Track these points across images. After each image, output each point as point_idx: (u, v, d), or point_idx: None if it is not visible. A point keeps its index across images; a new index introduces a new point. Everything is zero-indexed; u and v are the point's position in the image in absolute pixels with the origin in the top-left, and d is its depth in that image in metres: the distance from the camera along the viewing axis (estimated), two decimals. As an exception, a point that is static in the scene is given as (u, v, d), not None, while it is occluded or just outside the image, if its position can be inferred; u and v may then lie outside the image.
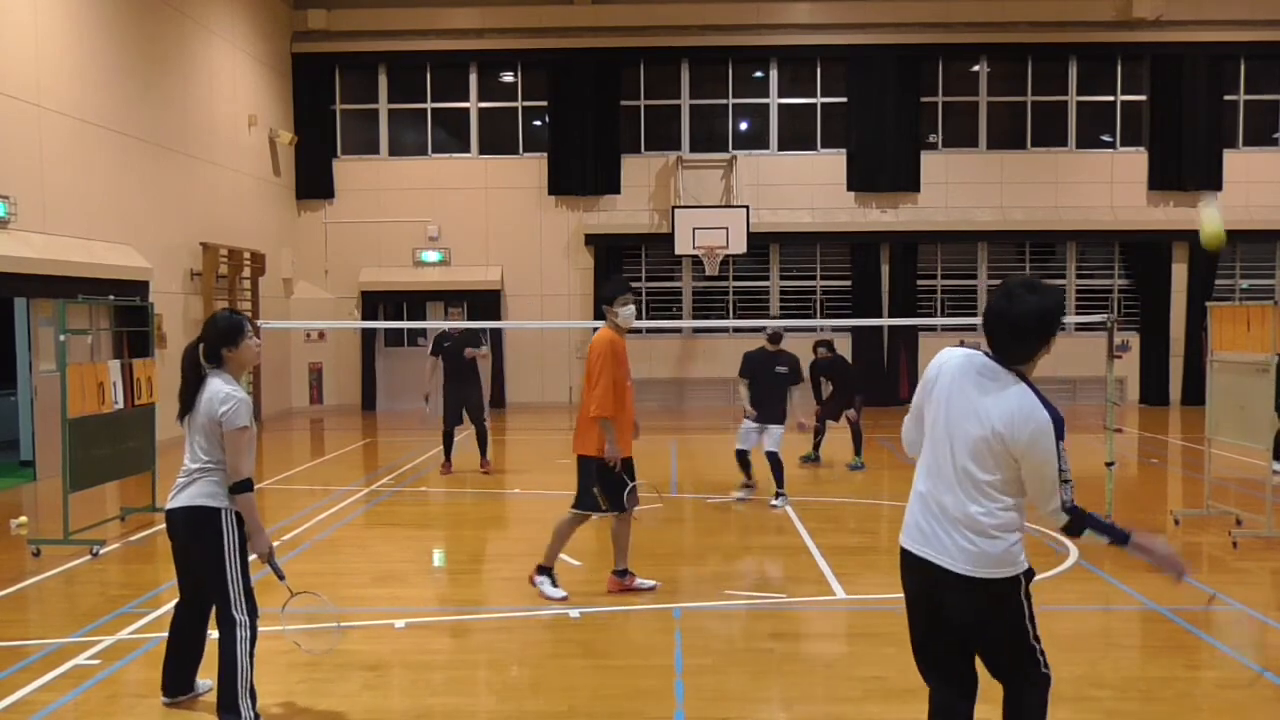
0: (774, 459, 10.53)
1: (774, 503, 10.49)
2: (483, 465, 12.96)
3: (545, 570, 7.24)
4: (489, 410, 13.08)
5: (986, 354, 3.61)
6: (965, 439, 3.53)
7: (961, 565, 3.53)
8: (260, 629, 5.07)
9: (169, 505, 5.09)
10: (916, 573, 3.67)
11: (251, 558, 5.09)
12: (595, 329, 7.31)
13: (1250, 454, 9.83)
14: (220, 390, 4.97)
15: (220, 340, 5.07)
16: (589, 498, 7.08)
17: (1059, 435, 3.43)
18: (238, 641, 4.91)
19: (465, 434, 13.34)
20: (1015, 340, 3.52)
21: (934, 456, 3.64)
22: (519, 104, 21.94)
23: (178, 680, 5.31)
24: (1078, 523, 3.52)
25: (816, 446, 13.39)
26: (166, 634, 5.36)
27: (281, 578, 5.29)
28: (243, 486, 4.96)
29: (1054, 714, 5.29)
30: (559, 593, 7.14)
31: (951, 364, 3.67)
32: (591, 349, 7.01)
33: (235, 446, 4.93)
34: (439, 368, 12.79)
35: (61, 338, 8.88)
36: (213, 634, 5.13)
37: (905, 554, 3.71)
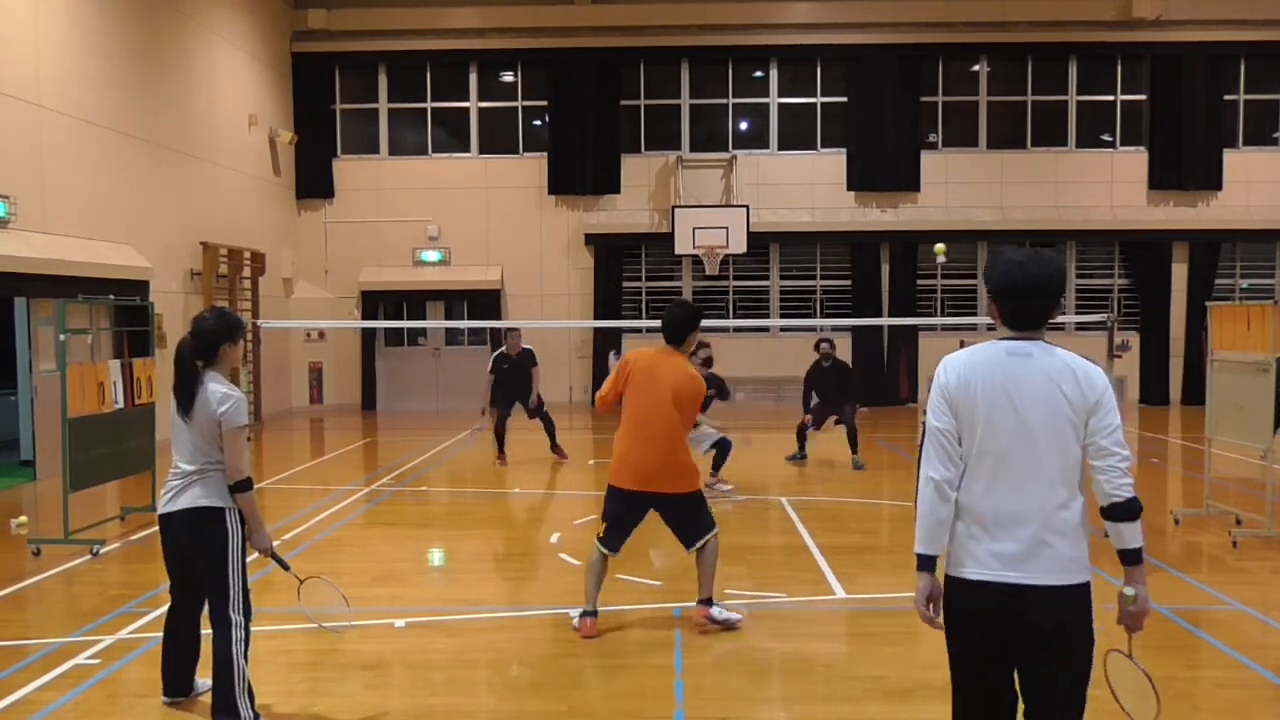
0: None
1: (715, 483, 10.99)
2: (556, 453, 13.53)
3: (708, 601, 6.60)
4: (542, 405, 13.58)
5: (1001, 339, 3.45)
6: (1046, 425, 3.27)
7: (1055, 577, 3.28)
8: (258, 627, 5.06)
9: (166, 509, 5.05)
10: (990, 599, 3.32)
11: (253, 557, 5.08)
12: (595, 329, 7.25)
13: (1249, 453, 9.83)
14: (218, 390, 4.95)
15: (222, 335, 5.03)
16: (706, 521, 6.51)
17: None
18: (233, 642, 4.90)
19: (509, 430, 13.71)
20: (1043, 301, 3.38)
21: (1001, 467, 3.31)
22: (519, 104, 21.95)
23: (178, 680, 5.31)
24: (1136, 503, 3.28)
25: (802, 445, 13.39)
26: (161, 636, 5.36)
27: (286, 568, 5.35)
28: (243, 485, 4.96)
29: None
30: (735, 615, 6.57)
31: (975, 369, 3.40)
32: (699, 391, 6.43)
33: (235, 445, 4.93)
34: (493, 382, 13.30)
35: (61, 337, 8.89)
36: (206, 633, 5.12)
37: (971, 584, 3.35)
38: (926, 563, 3.43)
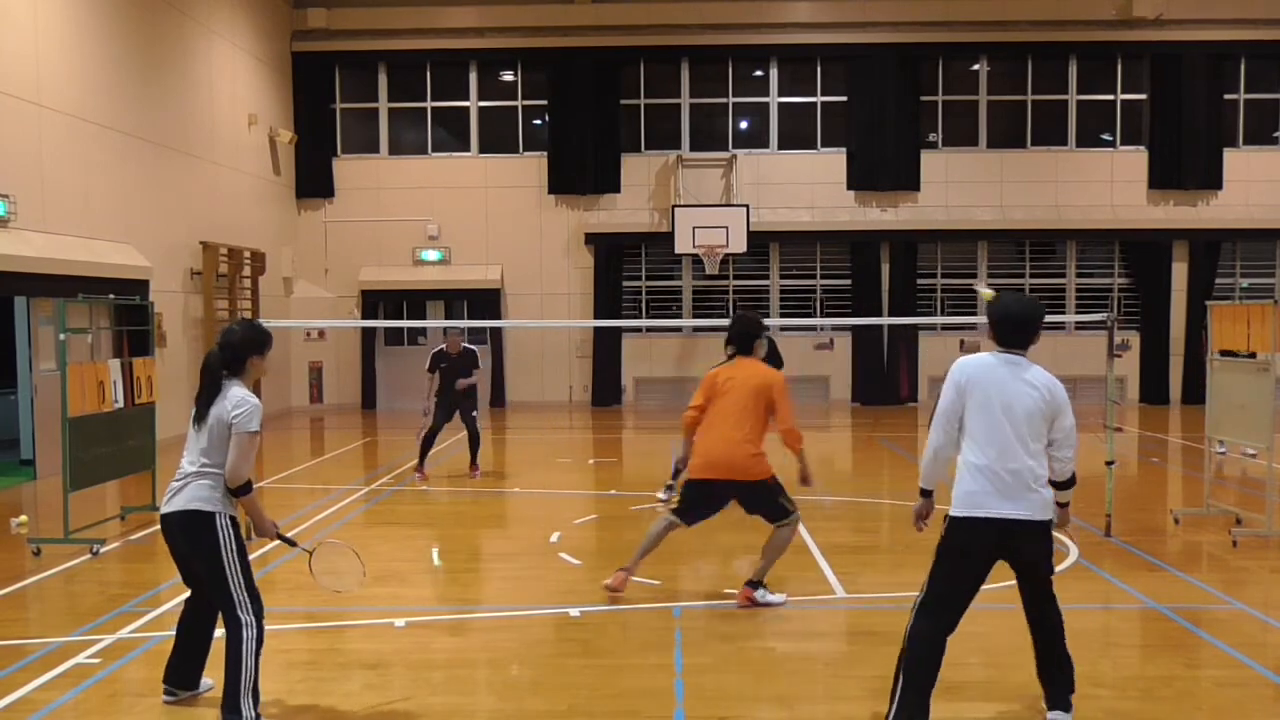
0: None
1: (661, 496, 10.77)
2: (472, 470, 12.59)
3: (755, 584, 7.06)
4: (483, 415, 12.52)
5: (1000, 351, 4.86)
6: (1024, 411, 4.70)
7: (1038, 514, 4.71)
8: (265, 620, 5.05)
9: (165, 509, 5.09)
10: (988, 532, 4.68)
11: (259, 554, 5.09)
12: (595, 329, 7.41)
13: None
14: (235, 395, 5.01)
15: (250, 347, 5.12)
16: (782, 507, 7.08)
17: None
18: (243, 642, 4.93)
19: (451, 440, 13.24)
20: (1029, 331, 4.87)
21: (993, 435, 4.70)
22: (519, 103, 21.94)
23: (181, 674, 5.31)
24: (1074, 478, 4.91)
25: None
26: (162, 635, 5.36)
27: (295, 544, 5.40)
28: (242, 490, 4.98)
29: (1054, 713, 5.30)
30: (779, 597, 7.06)
31: (978, 368, 4.82)
32: (772, 382, 6.98)
33: (241, 450, 4.95)
34: (435, 382, 12.33)
35: (62, 337, 8.88)
36: (220, 633, 5.13)
37: (974, 520, 4.68)
38: (926, 494, 5.06)
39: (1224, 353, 9.26)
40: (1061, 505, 4.91)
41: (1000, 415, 4.70)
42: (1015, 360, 4.80)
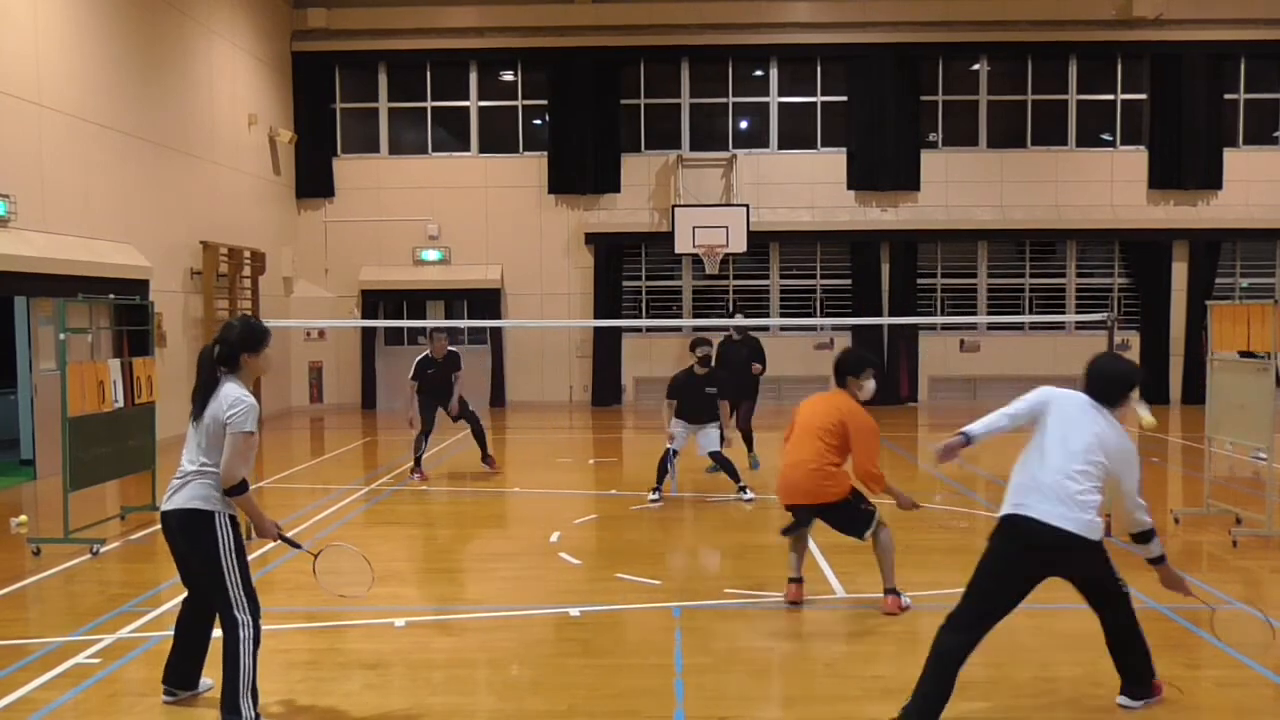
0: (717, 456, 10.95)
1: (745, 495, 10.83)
2: (489, 464, 12.69)
3: (893, 591, 7.05)
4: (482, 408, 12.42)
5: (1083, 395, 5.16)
6: (1083, 446, 4.93)
7: (1082, 530, 4.85)
8: (261, 620, 5.06)
9: (165, 507, 5.09)
10: (1028, 532, 4.86)
11: (259, 554, 5.08)
12: (595, 328, 7.38)
13: (1249, 452, 9.83)
14: (231, 394, 4.98)
15: (244, 344, 5.09)
16: (864, 516, 7.02)
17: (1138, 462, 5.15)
18: (240, 642, 4.93)
19: (452, 440, 13.25)
20: (1117, 389, 5.15)
21: (1050, 454, 4.95)
22: (519, 103, 21.94)
23: (180, 674, 5.32)
24: (1151, 532, 5.18)
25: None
26: (163, 634, 5.36)
27: (298, 546, 5.41)
28: (237, 490, 4.97)
29: (1053, 714, 5.32)
30: (906, 598, 7.05)
31: (1066, 396, 5.15)
32: (853, 415, 6.88)
33: (235, 450, 4.93)
34: (417, 391, 12.23)
35: (62, 336, 8.88)
36: (218, 633, 5.13)
37: (1015, 518, 4.90)
38: (968, 436, 5.21)
39: (1244, 354, 9.23)
40: (1152, 562, 5.27)
41: (1060, 441, 4.97)
42: (1100, 409, 5.09)
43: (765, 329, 21.12)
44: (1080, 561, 5.02)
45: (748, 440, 12.78)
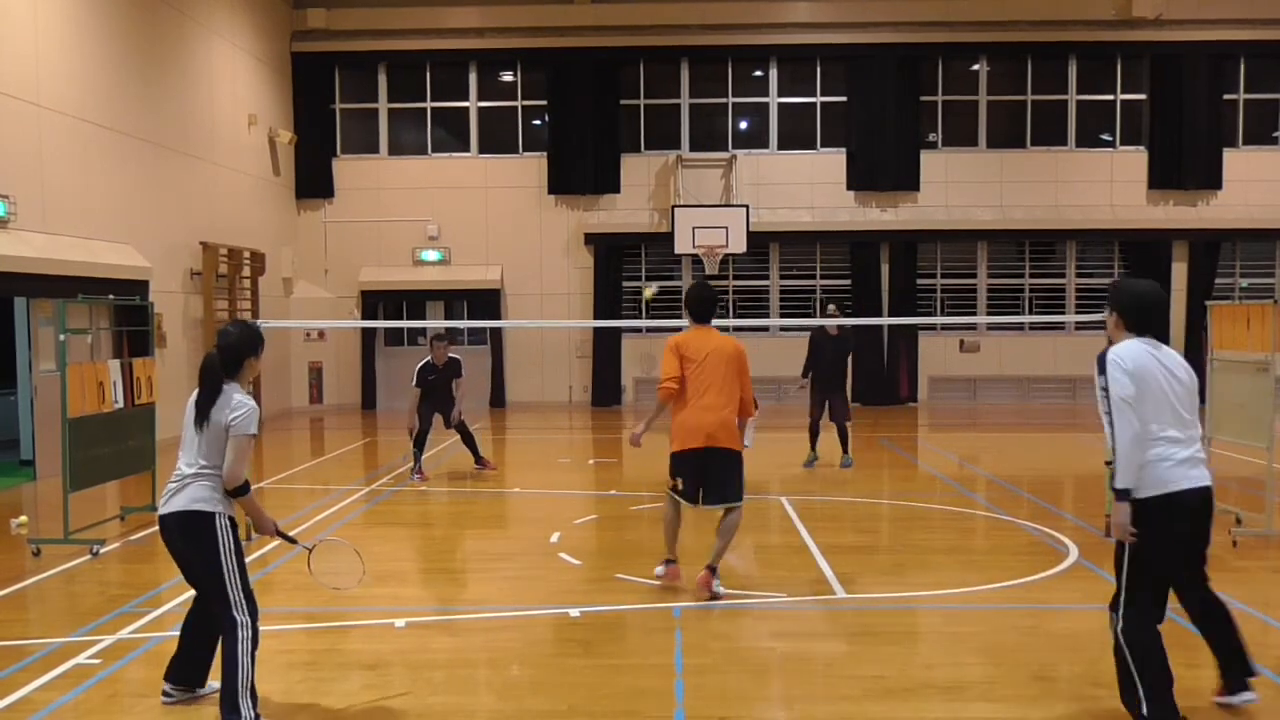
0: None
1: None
2: (484, 465, 12.77)
3: (714, 570, 7.23)
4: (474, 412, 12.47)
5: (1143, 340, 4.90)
6: (1185, 391, 4.87)
7: (1211, 482, 4.84)
8: (259, 621, 5.06)
9: (163, 510, 5.10)
10: (1194, 502, 4.76)
11: (259, 554, 5.09)
12: (595, 329, 7.50)
13: (1249, 452, 9.82)
14: (233, 397, 5.04)
15: (248, 348, 5.16)
16: (741, 486, 7.31)
17: None
18: (239, 642, 4.94)
19: (450, 440, 13.21)
20: (1166, 316, 5.14)
21: (1172, 414, 4.80)
22: (519, 103, 21.95)
23: (185, 674, 5.31)
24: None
25: (814, 445, 13.12)
26: (162, 635, 5.36)
27: (295, 542, 5.43)
28: (240, 491, 5.01)
29: (1053, 713, 5.31)
30: (721, 589, 7.20)
31: (1144, 355, 4.83)
32: (742, 350, 7.25)
33: (238, 452, 4.98)
34: (419, 398, 12.26)
35: (61, 337, 8.88)
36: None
37: (1179, 494, 4.71)
38: (1126, 494, 4.70)
39: None
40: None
41: (1171, 396, 4.83)
42: (1155, 345, 4.95)
43: (765, 329, 21.17)
44: (1212, 515, 5.01)
45: (843, 439, 12.81)
